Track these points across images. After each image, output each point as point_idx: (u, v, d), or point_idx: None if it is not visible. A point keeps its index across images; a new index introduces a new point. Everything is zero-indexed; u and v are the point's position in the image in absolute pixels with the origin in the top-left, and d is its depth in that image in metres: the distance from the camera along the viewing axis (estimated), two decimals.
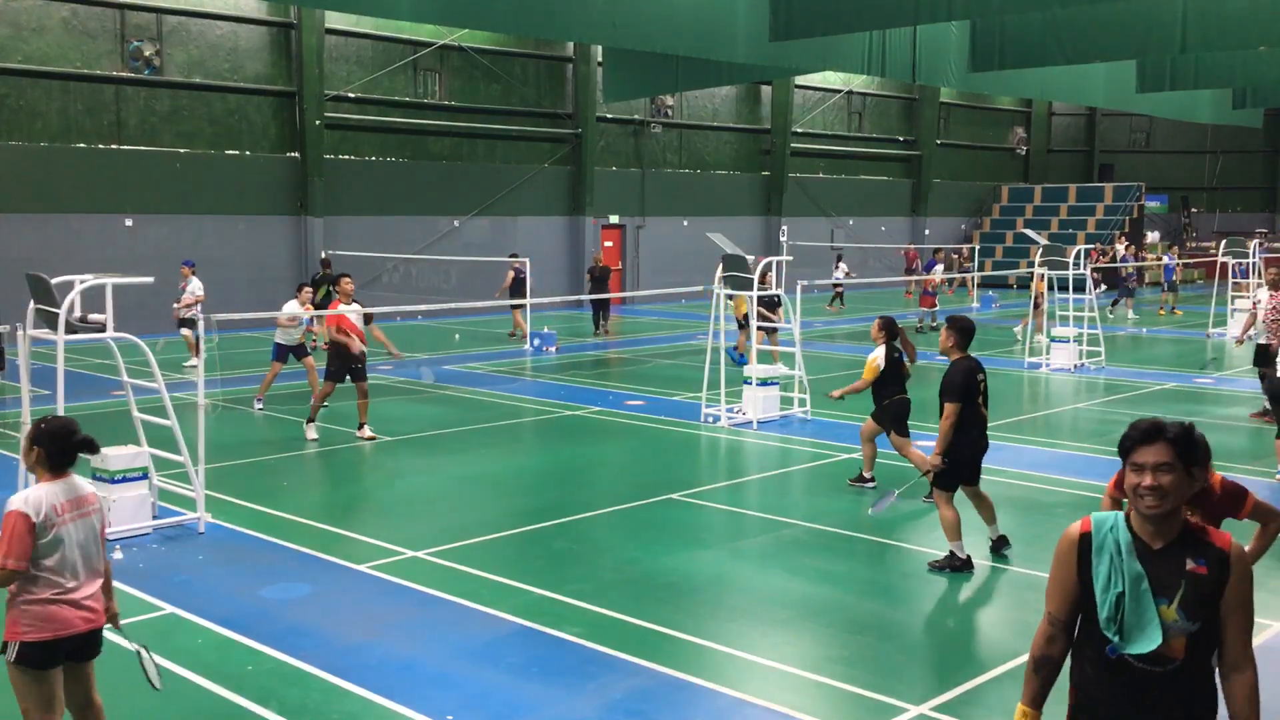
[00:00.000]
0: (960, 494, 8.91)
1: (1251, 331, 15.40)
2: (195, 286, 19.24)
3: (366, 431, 13.58)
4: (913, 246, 38.18)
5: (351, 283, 13.77)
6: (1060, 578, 3.61)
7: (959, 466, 8.64)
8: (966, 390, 8.46)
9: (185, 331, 18.89)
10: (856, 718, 6.26)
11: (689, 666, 6.77)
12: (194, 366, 15.90)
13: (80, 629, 4.93)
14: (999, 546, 9.04)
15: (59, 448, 4.96)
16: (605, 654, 6.95)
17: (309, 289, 15.93)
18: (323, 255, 25.87)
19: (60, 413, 9.14)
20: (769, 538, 9.67)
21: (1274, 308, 13.76)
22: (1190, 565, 3.43)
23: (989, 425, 8.92)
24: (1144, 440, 3.45)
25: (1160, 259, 43.34)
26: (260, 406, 15.50)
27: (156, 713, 6.28)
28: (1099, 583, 3.50)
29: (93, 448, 5.10)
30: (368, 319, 13.97)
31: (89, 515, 5.00)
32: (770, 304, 17.07)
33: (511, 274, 24.89)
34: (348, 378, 13.49)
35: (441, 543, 9.38)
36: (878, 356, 11.04)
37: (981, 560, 8.98)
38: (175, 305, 19.26)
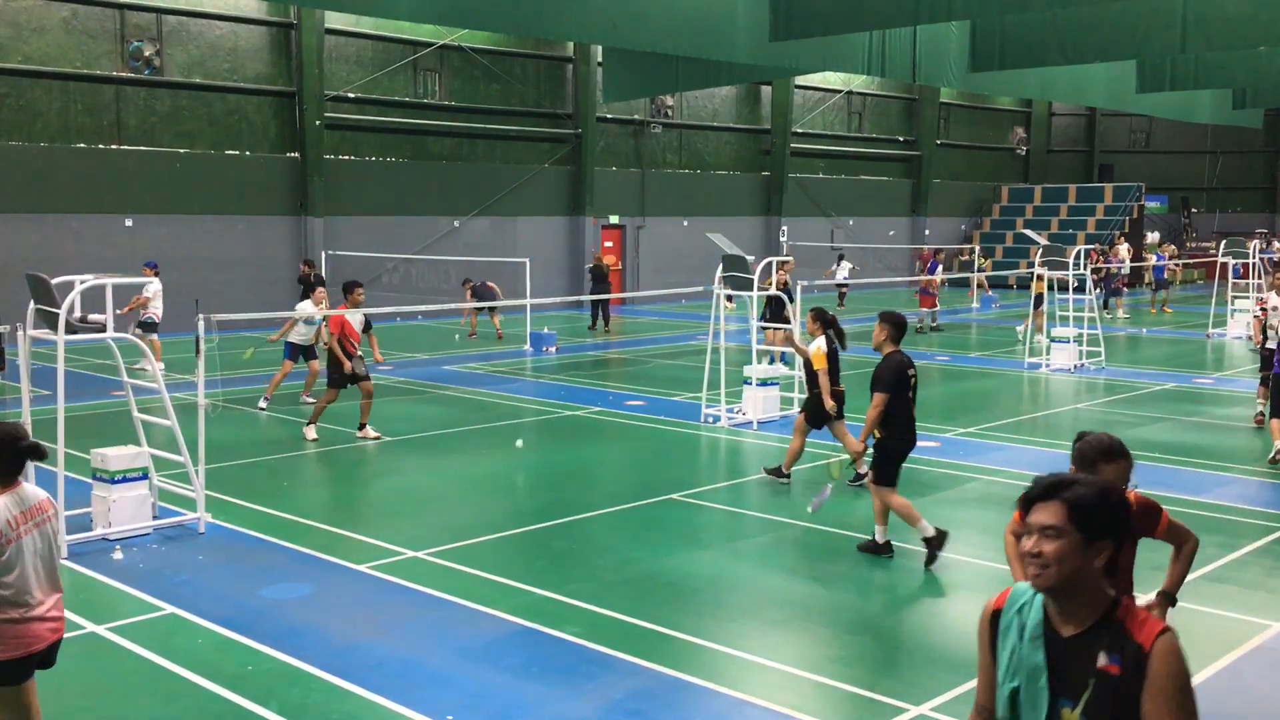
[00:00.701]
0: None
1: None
2: (150, 288, 18.78)
3: (370, 432, 13.58)
4: (928, 248, 38.39)
5: (363, 293, 13.82)
6: (980, 662, 3.09)
7: (896, 458, 8.85)
8: (896, 383, 8.64)
9: (138, 332, 18.10)
10: (856, 718, 6.27)
11: (689, 666, 6.77)
12: (143, 370, 15.48)
13: (49, 640, 4.84)
14: (881, 550, 8.99)
15: (5, 456, 4.73)
16: (605, 654, 6.95)
17: (323, 289, 15.86)
18: (305, 258, 25.63)
19: (60, 413, 9.18)
20: (769, 538, 9.67)
21: None
22: (1102, 661, 2.78)
23: (917, 423, 9.03)
24: (1040, 497, 2.89)
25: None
26: (264, 406, 15.50)
27: (157, 713, 6.28)
28: (999, 673, 2.97)
29: (40, 453, 4.85)
30: (367, 326, 13.98)
31: (44, 524, 4.82)
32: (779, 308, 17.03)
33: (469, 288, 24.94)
34: (349, 383, 13.53)
35: (441, 543, 9.38)
36: (819, 346, 11.21)
37: (982, 560, 8.98)
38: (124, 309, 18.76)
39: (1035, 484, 2.93)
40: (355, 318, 13.61)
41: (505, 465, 12.54)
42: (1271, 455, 12.22)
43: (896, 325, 8.81)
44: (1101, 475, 3.94)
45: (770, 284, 16.57)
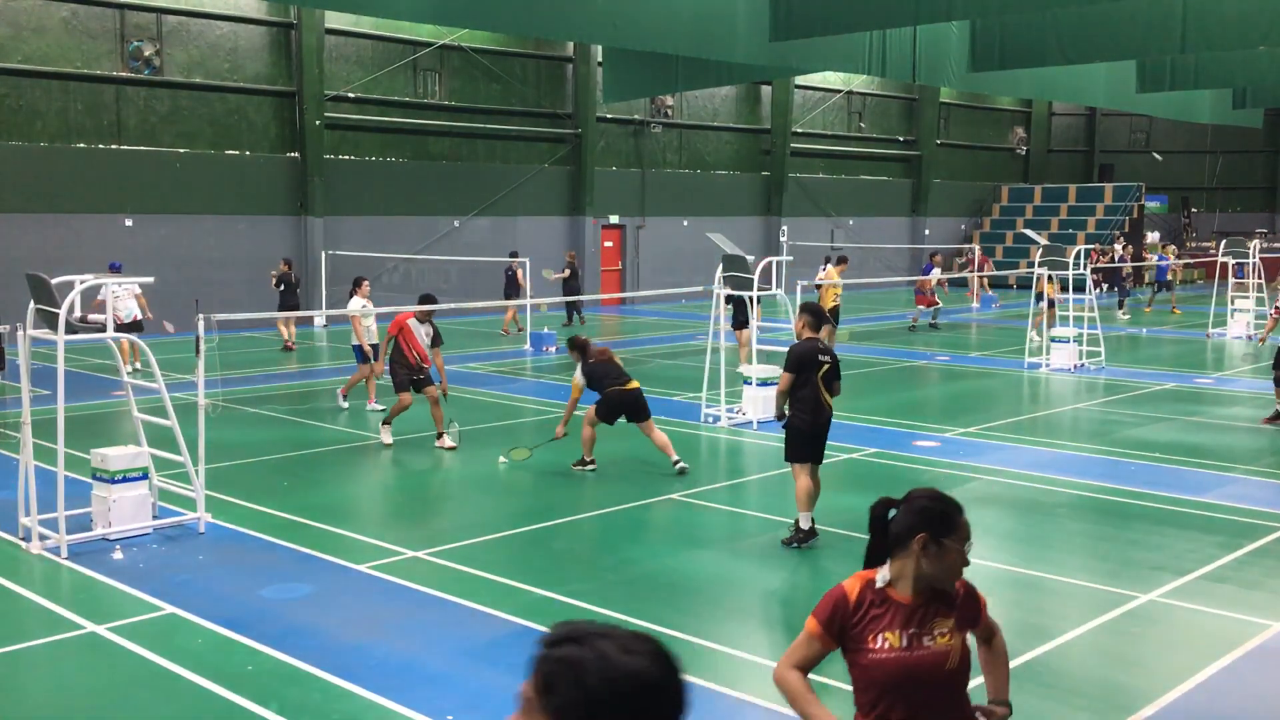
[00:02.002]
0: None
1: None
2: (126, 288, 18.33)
3: (447, 441, 13.13)
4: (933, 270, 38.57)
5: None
6: None
7: (801, 440, 9.15)
8: (801, 365, 9.06)
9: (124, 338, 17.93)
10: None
11: (689, 666, 6.74)
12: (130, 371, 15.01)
13: None
14: (807, 538, 9.21)
15: None
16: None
17: (367, 283, 15.69)
18: (284, 257, 25.33)
19: (60, 413, 9.18)
20: (769, 538, 9.66)
21: None
22: None
23: (832, 408, 9.29)
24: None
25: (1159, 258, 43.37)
26: (376, 407, 15.21)
27: (157, 713, 6.28)
28: None
29: None
30: (436, 340, 13.60)
31: None
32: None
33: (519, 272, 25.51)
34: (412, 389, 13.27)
35: (441, 543, 9.38)
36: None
37: (982, 561, 8.98)
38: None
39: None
40: (416, 327, 13.30)
41: (505, 465, 12.54)
42: None
43: (814, 314, 9.44)
44: (960, 531, 3.49)
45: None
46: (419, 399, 13.40)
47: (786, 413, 9.17)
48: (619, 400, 11.82)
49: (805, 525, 9.15)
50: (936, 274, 26.97)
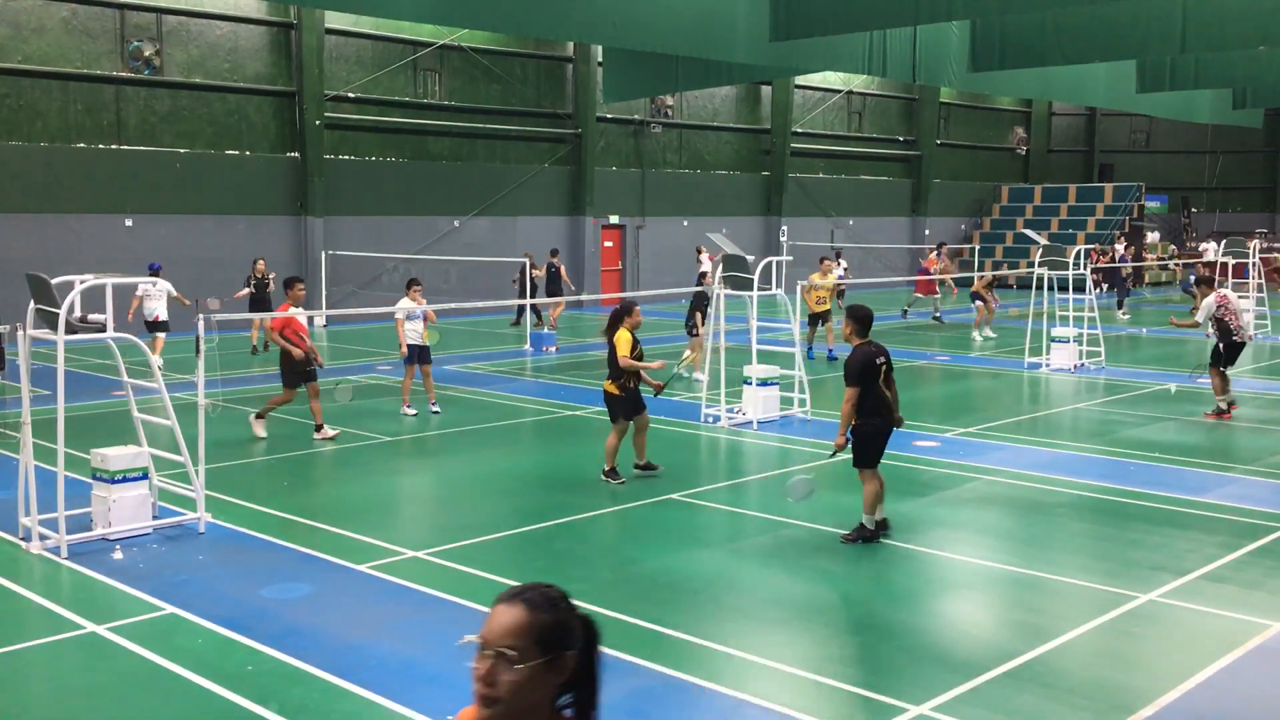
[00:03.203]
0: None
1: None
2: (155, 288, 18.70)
3: (327, 431, 13.49)
4: (933, 252, 38.62)
5: (304, 289, 13.62)
6: None
7: (873, 444, 9.19)
8: (863, 376, 9.02)
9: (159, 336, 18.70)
10: (856, 718, 6.26)
11: (689, 666, 6.77)
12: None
13: None
14: (881, 528, 9.38)
15: None
16: (605, 654, 6.93)
17: (417, 288, 15.36)
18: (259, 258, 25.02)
19: (60, 413, 9.17)
20: (769, 538, 9.66)
21: None
22: None
23: (896, 412, 9.40)
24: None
25: (1160, 259, 43.38)
26: (411, 411, 15.13)
27: (157, 713, 6.28)
28: None
29: None
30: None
31: None
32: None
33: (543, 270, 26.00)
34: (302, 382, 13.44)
35: (441, 543, 9.38)
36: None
37: (982, 561, 8.98)
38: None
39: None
40: (302, 318, 13.42)
41: (505, 465, 12.54)
42: None
43: (860, 319, 9.26)
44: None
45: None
46: (302, 394, 13.57)
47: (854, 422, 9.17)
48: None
49: (870, 527, 9.21)
50: (942, 257, 27.46)
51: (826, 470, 12.18)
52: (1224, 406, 14.95)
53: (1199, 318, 15.31)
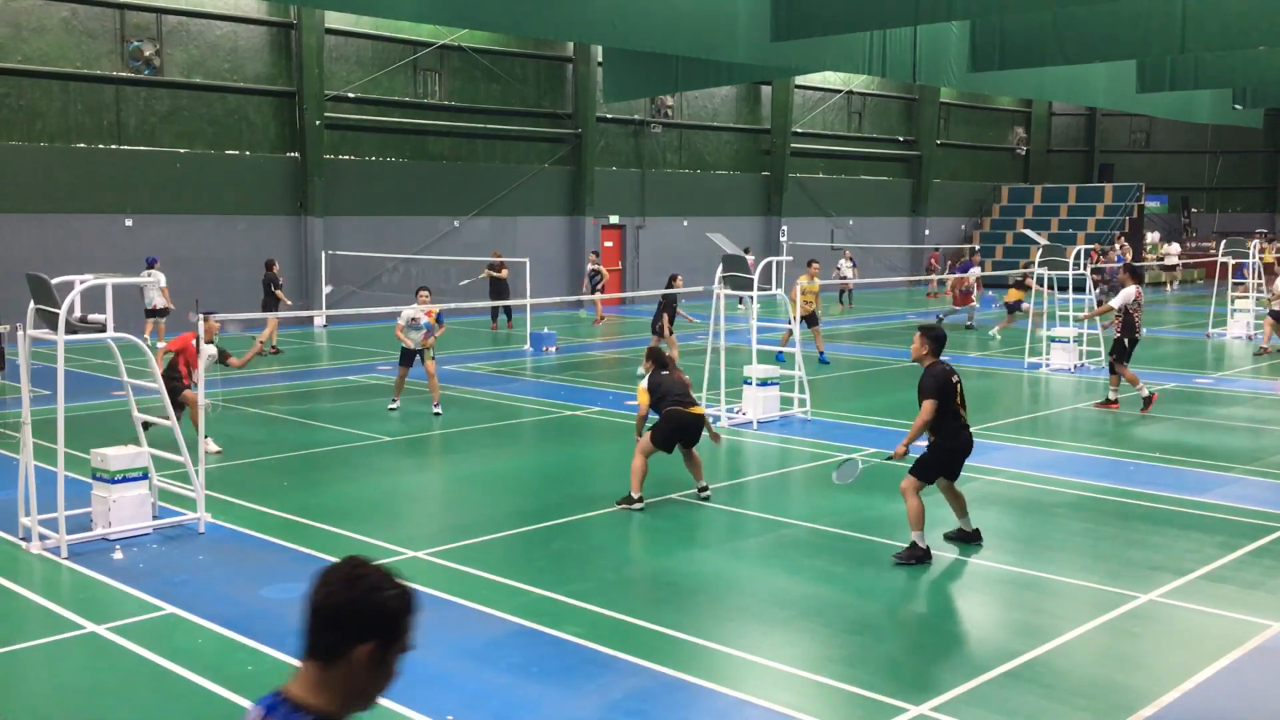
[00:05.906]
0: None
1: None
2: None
3: (211, 446, 12.25)
4: (936, 250, 38.92)
5: (219, 325, 12.32)
6: None
7: (939, 462, 9.07)
8: (940, 391, 8.94)
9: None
10: (856, 718, 6.26)
11: (689, 666, 6.77)
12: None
13: None
14: (971, 538, 9.34)
15: None
16: (605, 654, 6.94)
17: (425, 293, 15.44)
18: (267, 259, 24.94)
19: (60, 413, 9.17)
20: (769, 538, 9.66)
21: None
22: None
23: (970, 426, 9.24)
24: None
25: (1160, 259, 43.32)
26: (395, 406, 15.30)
27: (157, 713, 6.28)
28: None
29: None
30: (223, 356, 12.68)
31: None
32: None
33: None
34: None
35: (441, 543, 9.38)
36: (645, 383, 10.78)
37: (982, 561, 8.99)
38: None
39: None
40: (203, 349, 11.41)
41: (505, 465, 12.54)
42: None
43: (936, 339, 9.15)
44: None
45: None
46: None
47: (930, 438, 9.05)
48: (679, 423, 10.44)
49: (922, 545, 8.88)
50: (976, 272, 27.15)
51: (824, 470, 12.20)
52: (1113, 397, 15.85)
53: (1114, 303, 15.93)
